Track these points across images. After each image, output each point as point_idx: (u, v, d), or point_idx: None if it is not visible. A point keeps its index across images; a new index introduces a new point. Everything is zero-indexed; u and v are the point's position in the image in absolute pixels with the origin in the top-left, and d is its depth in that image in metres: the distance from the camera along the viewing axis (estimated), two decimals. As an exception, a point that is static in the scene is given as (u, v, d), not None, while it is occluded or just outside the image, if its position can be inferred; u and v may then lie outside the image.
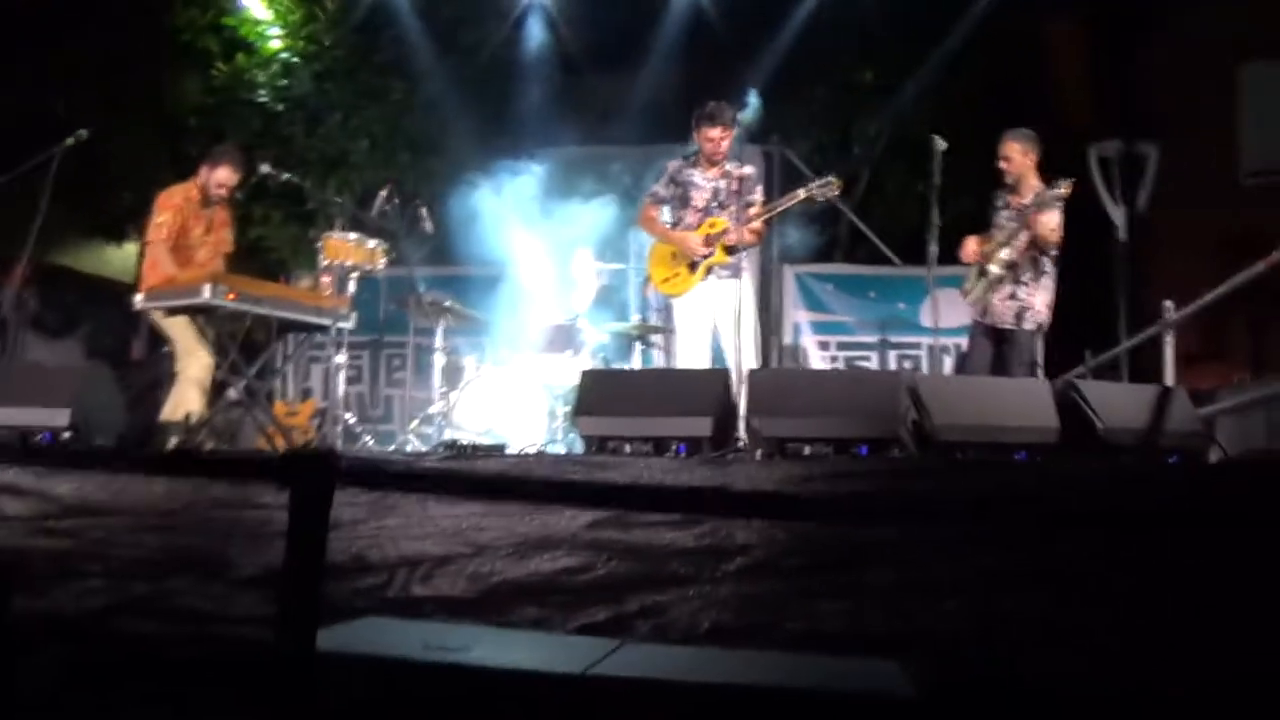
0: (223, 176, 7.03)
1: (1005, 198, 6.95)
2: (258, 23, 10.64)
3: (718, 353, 6.59)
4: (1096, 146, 10.24)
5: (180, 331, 6.65)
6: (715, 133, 6.63)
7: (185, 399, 6.56)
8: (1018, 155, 6.83)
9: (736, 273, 6.60)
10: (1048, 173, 6.85)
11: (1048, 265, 6.81)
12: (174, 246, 6.85)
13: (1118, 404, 5.26)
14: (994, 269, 6.74)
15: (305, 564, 1.91)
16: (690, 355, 6.55)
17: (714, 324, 6.54)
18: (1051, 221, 6.59)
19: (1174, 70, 9.69)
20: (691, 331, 6.60)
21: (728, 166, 6.72)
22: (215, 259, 7.04)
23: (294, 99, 10.76)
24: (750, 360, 6.19)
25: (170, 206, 6.90)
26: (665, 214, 6.91)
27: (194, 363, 6.62)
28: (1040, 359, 7.29)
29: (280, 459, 1.96)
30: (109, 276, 12.49)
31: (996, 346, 6.83)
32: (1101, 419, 5.12)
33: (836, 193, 6.35)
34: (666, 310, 7.05)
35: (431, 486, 2.60)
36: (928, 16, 10.88)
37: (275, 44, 10.79)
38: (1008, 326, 6.75)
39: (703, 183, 6.68)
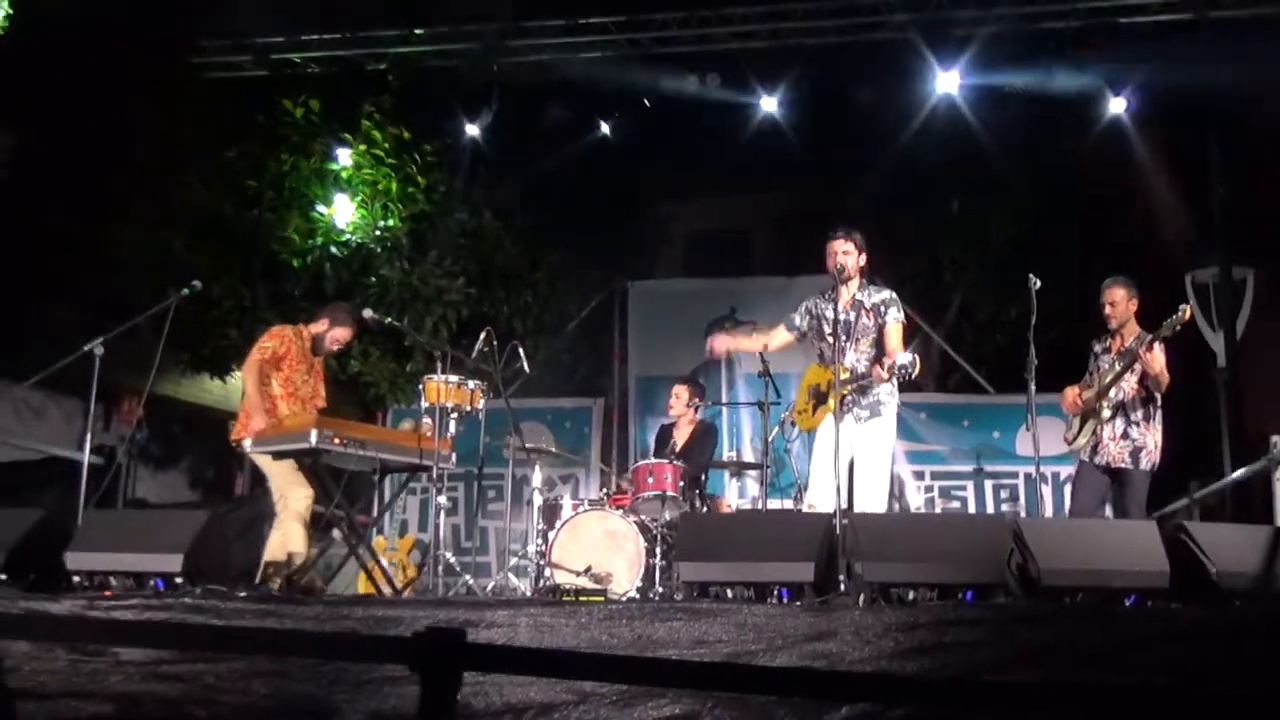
0: (341, 335, 7.27)
1: (1106, 342, 6.96)
2: (359, 167, 11.01)
3: None
4: (1193, 273, 10.16)
5: (280, 468, 6.80)
6: (834, 245, 6.55)
7: (289, 537, 6.67)
8: (1123, 301, 6.84)
9: (875, 411, 6.39)
10: (1143, 300, 6.83)
11: (1157, 403, 6.79)
12: (276, 376, 7.04)
13: (1229, 546, 5.16)
14: (1105, 410, 6.71)
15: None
16: (818, 493, 6.36)
17: (849, 461, 6.15)
18: (1162, 358, 6.59)
19: (1270, 192, 9.63)
20: (821, 467, 6.39)
21: (858, 294, 6.58)
22: (315, 403, 7.21)
23: (391, 239, 11.07)
24: (871, 503, 6.08)
25: (277, 335, 7.13)
26: (783, 336, 6.82)
27: (295, 500, 6.75)
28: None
29: (412, 641, 2.01)
30: (209, 405, 12.84)
31: (1112, 486, 6.78)
32: (1213, 562, 5.02)
33: (915, 372, 6.27)
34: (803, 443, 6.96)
35: (561, 671, 2.61)
36: (1016, 143, 10.94)
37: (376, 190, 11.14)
38: (1124, 466, 6.70)
39: (830, 314, 6.52)
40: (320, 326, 7.23)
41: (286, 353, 7.10)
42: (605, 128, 11.61)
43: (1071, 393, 7.00)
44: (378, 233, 11.00)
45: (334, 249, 10.80)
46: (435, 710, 1.96)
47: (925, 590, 4.98)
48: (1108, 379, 6.74)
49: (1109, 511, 7.00)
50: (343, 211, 10.98)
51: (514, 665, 2.65)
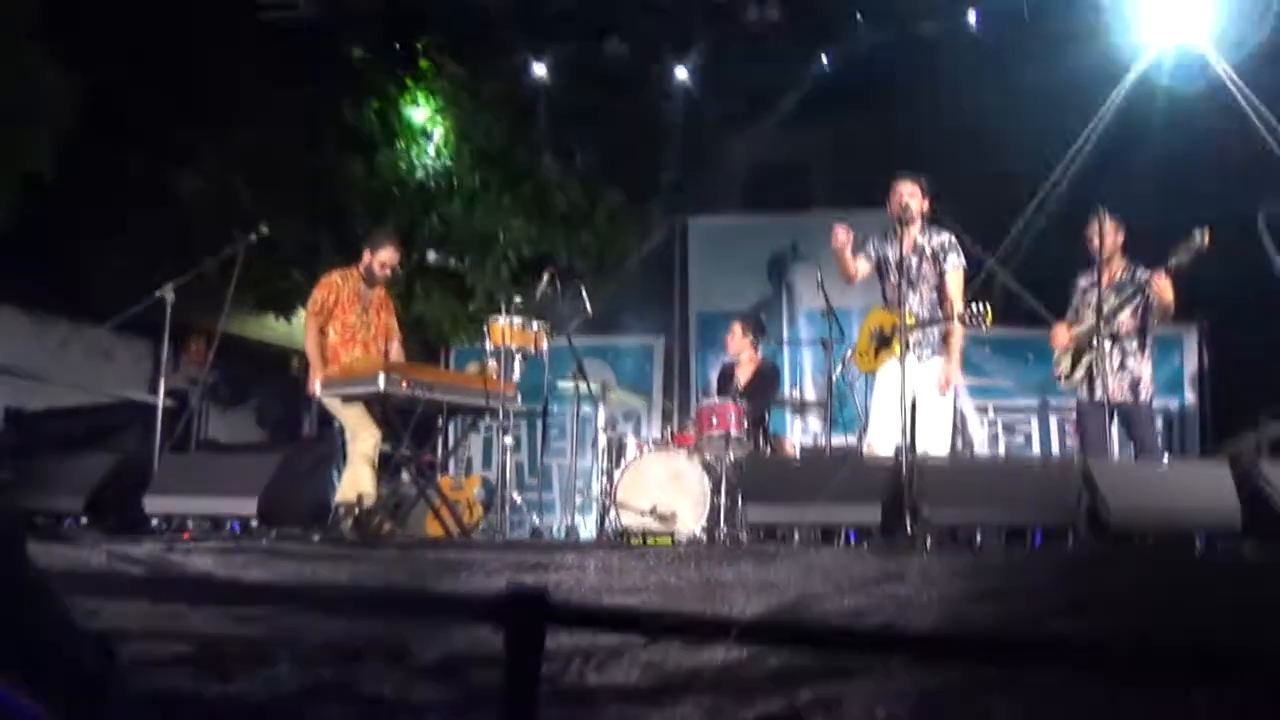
0: (386, 257, 7.34)
1: (1093, 275, 6.90)
2: (419, 106, 11.02)
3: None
4: (1266, 205, 9.93)
5: (349, 410, 6.91)
6: (901, 188, 6.58)
7: (358, 479, 6.78)
8: (1111, 233, 6.82)
9: (937, 350, 6.44)
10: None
11: (1149, 336, 6.82)
12: (332, 324, 7.14)
13: (1302, 486, 5.10)
14: (1103, 343, 6.65)
15: (520, 704, 2.00)
16: (878, 435, 6.43)
17: (910, 402, 6.10)
18: (1171, 289, 6.56)
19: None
20: (881, 411, 6.46)
21: (919, 239, 6.60)
22: (378, 342, 7.29)
23: (451, 179, 11.09)
24: (933, 443, 6.08)
25: (324, 285, 7.26)
26: (864, 265, 6.78)
27: (363, 441, 6.86)
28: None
29: (496, 601, 2.05)
30: (273, 343, 13.00)
31: (1117, 423, 6.73)
32: (1285, 503, 4.98)
33: (987, 323, 6.23)
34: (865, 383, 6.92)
35: (645, 628, 2.66)
36: (1080, 68, 10.72)
37: (437, 131, 11.14)
38: (1125, 400, 6.69)
39: (893, 257, 6.57)
40: (365, 258, 7.33)
41: (336, 300, 7.20)
42: (664, 62, 11.48)
43: (1062, 329, 7.01)
44: (439, 172, 11.01)
45: (395, 189, 10.84)
46: (520, 669, 2.00)
47: (993, 533, 4.98)
48: (1106, 310, 6.64)
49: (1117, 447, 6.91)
50: (404, 151, 11.02)
51: (599, 622, 2.68)
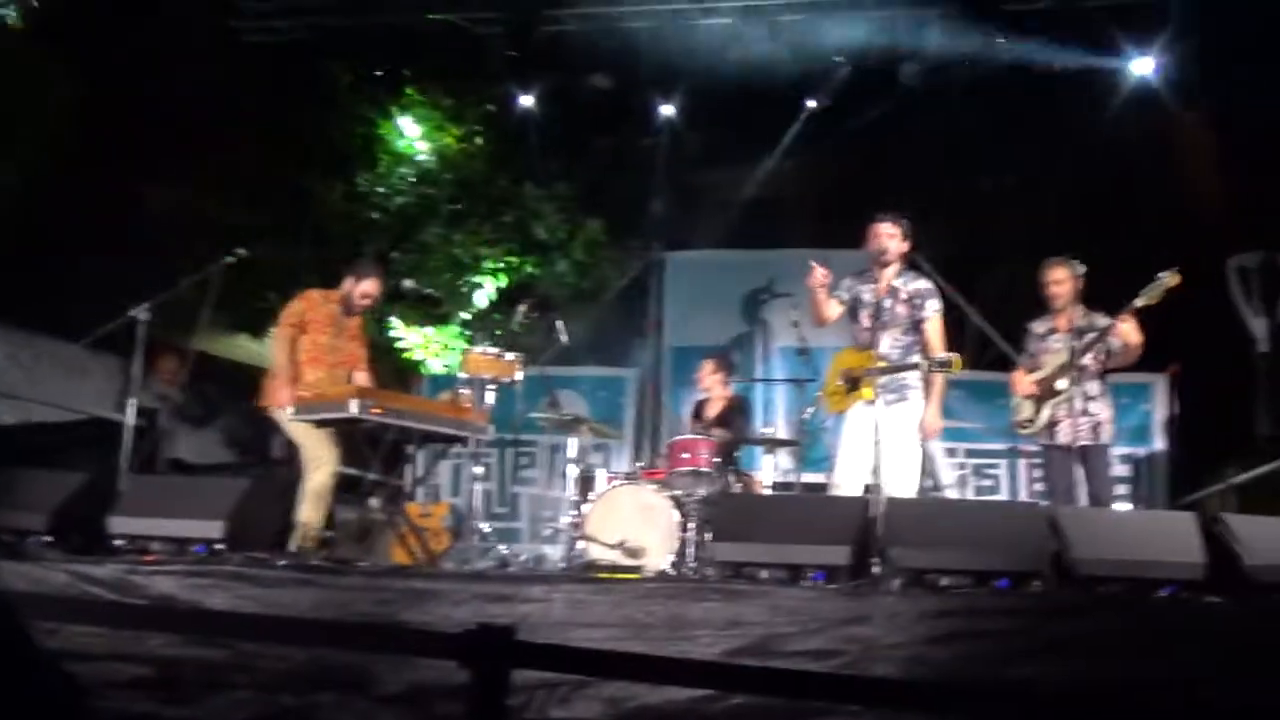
0: (369, 288, 7.29)
1: (1050, 322, 7.02)
2: (403, 135, 11.05)
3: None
4: (1236, 258, 10.06)
5: (308, 438, 6.86)
6: (880, 228, 6.59)
7: (303, 509, 6.73)
8: (1067, 280, 6.87)
9: (902, 395, 6.45)
10: (1188, 282, 6.74)
11: (1107, 379, 6.93)
12: (305, 339, 7.09)
13: (1266, 539, 5.14)
14: (1065, 387, 6.68)
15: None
16: (844, 476, 6.44)
17: (875, 446, 6.12)
18: (1137, 331, 6.61)
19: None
20: (848, 452, 6.47)
21: (896, 282, 6.62)
22: (343, 368, 7.24)
23: (431, 206, 11.11)
24: (898, 487, 6.10)
25: (304, 299, 7.20)
26: (835, 308, 6.78)
27: (317, 472, 6.81)
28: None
29: (463, 638, 2.04)
30: (244, 362, 12.96)
31: (1076, 465, 6.77)
32: (1249, 555, 5.01)
33: (955, 370, 6.30)
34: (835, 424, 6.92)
35: (609, 671, 2.65)
36: (1062, 118, 10.85)
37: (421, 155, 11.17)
38: (1088, 443, 6.72)
39: (869, 299, 6.59)
40: (347, 285, 7.27)
41: (314, 317, 7.14)
42: (647, 97, 11.56)
43: (1020, 374, 7.06)
44: (419, 198, 11.04)
45: (375, 215, 10.85)
46: (485, 705, 2.00)
47: (960, 577, 4.99)
48: (1067, 357, 6.69)
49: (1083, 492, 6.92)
50: (385, 176, 11.04)
51: (563, 664, 2.68)
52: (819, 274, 6.65)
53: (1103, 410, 6.82)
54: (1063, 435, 6.71)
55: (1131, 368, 7.28)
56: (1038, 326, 7.10)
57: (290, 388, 6.86)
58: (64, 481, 6.14)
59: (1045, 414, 6.82)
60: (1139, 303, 6.46)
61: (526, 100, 11.21)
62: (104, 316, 7.43)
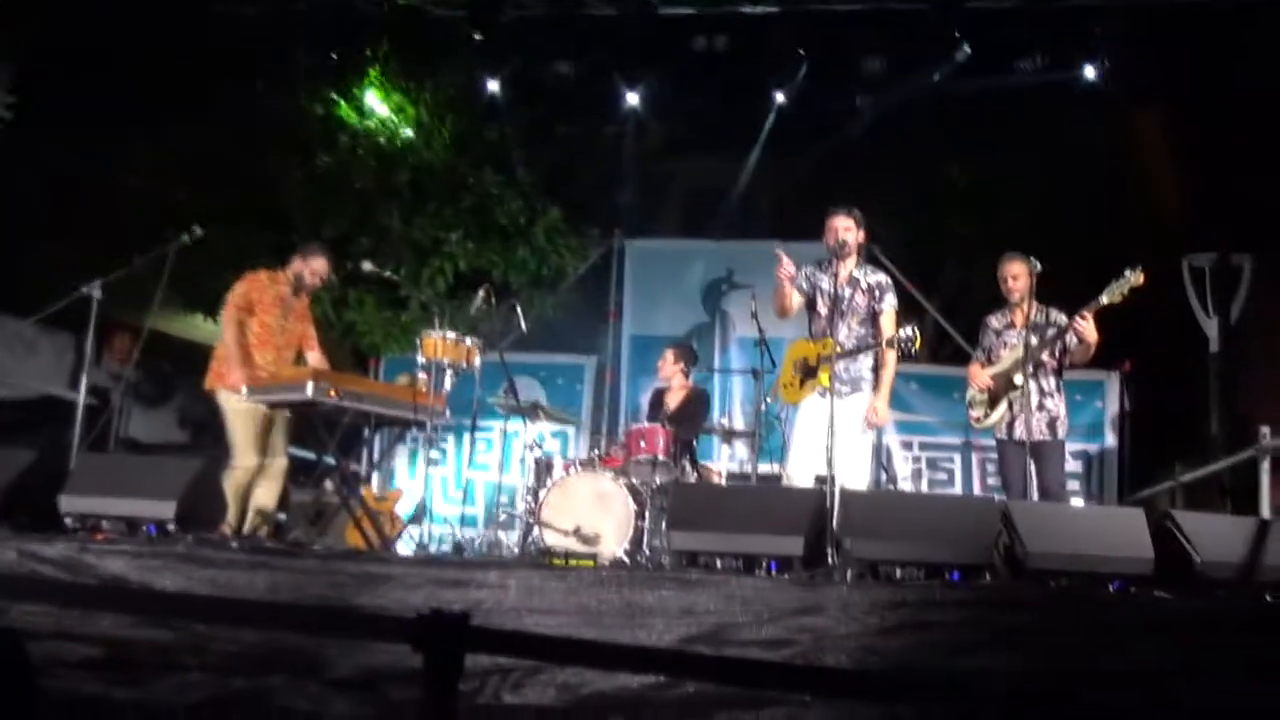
0: (318, 266, 7.27)
1: (1008, 317, 7.05)
2: (364, 115, 10.97)
3: None
4: (1190, 257, 10.18)
5: (240, 427, 6.87)
6: (835, 222, 6.61)
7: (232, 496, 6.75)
8: (1024, 275, 6.85)
9: (856, 386, 6.50)
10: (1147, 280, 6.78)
11: (1062, 375, 6.99)
12: (252, 321, 7.07)
13: (1214, 536, 5.22)
14: (1022, 383, 6.71)
15: (437, 724, 1.99)
16: (797, 467, 6.48)
17: (828, 438, 6.07)
18: (1094, 329, 6.62)
19: (1270, 179, 9.63)
20: (801, 443, 6.51)
21: (856, 273, 6.66)
22: (291, 349, 7.22)
23: (391, 189, 11.04)
24: (851, 478, 6.14)
25: (251, 280, 7.17)
26: (796, 299, 6.79)
27: (238, 466, 6.85)
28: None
29: (418, 623, 2.04)
30: (199, 342, 12.84)
31: (1030, 460, 6.76)
32: (1198, 552, 5.08)
33: (916, 347, 6.36)
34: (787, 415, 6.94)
35: (564, 657, 2.65)
36: (1017, 115, 10.93)
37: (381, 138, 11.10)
38: (1044, 439, 6.78)
39: (828, 289, 6.62)
40: (296, 265, 7.25)
41: (260, 298, 7.10)
42: (610, 84, 11.54)
43: (977, 368, 7.09)
44: (379, 181, 10.96)
45: (334, 197, 10.77)
46: (438, 690, 2.00)
47: (913, 569, 5.03)
48: (1023, 352, 6.70)
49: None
50: (345, 157, 10.96)
51: (517, 649, 2.68)
52: (787, 264, 6.66)
53: (1058, 406, 6.88)
54: (1019, 430, 6.74)
55: (1085, 365, 7.35)
56: (994, 321, 7.14)
57: (242, 369, 6.83)
58: (13, 459, 6.05)
59: (1001, 408, 6.86)
60: (1104, 299, 6.48)
61: (491, 85, 11.15)
62: (56, 293, 7.35)
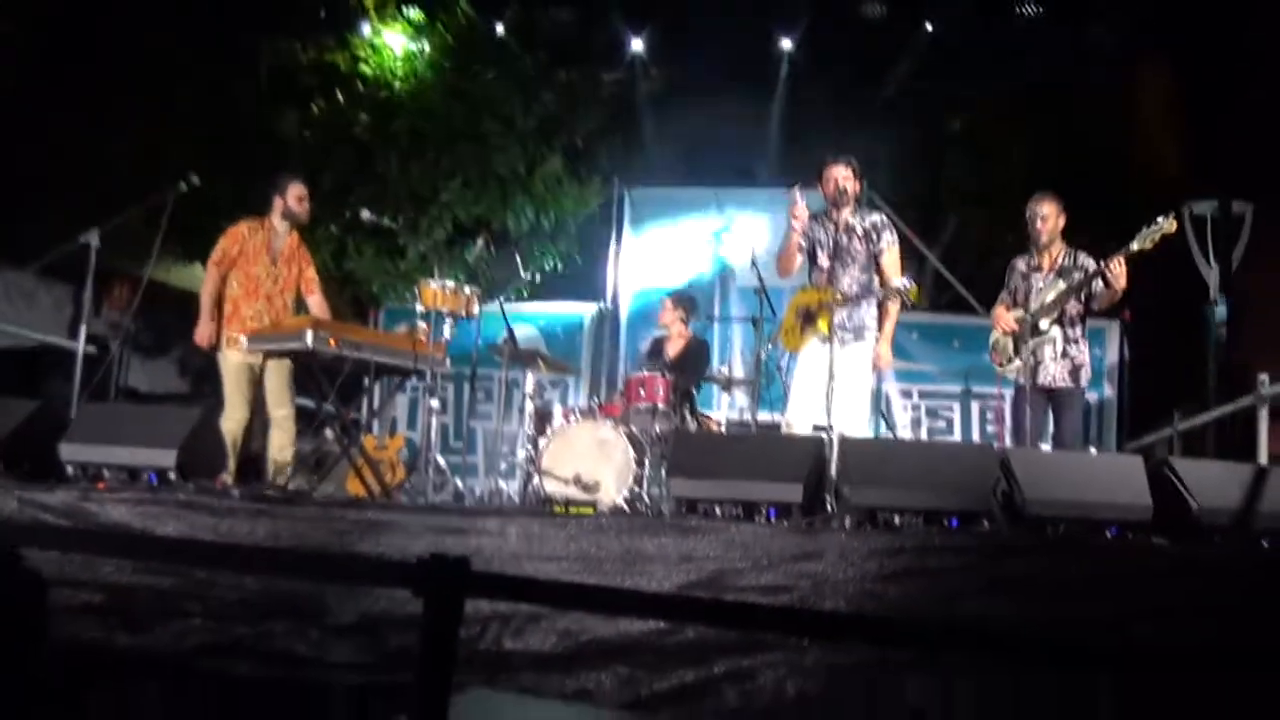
0: (295, 191, 7.23)
1: (1034, 260, 6.85)
2: (356, 60, 10.90)
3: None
4: (1190, 204, 10.14)
5: (230, 380, 6.95)
6: (833, 171, 6.53)
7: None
8: (1053, 216, 6.72)
9: (859, 334, 6.48)
10: (1140, 227, 6.68)
11: (1086, 322, 6.82)
12: (235, 275, 7.09)
13: (1212, 483, 5.21)
14: (1048, 327, 6.61)
15: (437, 670, 2.00)
16: (797, 414, 6.47)
17: (827, 385, 6.11)
18: (1125, 275, 6.45)
19: (1272, 126, 9.58)
20: (801, 390, 6.50)
21: (851, 219, 6.58)
22: (284, 295, 7.22)
23: (389, 136, 10.98)
24: (850, 425, 6.15)
25: (230, 235, 7.17)
26: (799, 260, 6.75)
27: (229, 417, 6.92)
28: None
29: (417, 567, 2.05)
30: (198, 292, 12.81)
31: (1050, 408, 6.75)
32: (1195, 499, 5.09)
33: (912, 296, 6.32)
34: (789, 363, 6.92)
35: (562, 601, 2.67)
36: (1017, 65, 10.87)
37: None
38: (1064, 385, 6.66)
39: (825, 238, 6.58)
40: (277, 203, 7.22)
41: (240, 251, 7.09)
42: (611, 29, 11.47)
43: (1003, 310, 6.91)
44: (377, 128, 10.92)
45: (332, 144, 10.73)
46: (438, 634, 2.01)
47: (911, 516, 5.04)
48: (1052, 295, 6.61)
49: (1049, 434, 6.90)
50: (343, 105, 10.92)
51: (517, 594, 2.69)
52: (801, 206, 6.58)
53: (1082, 353, 6.71)
54: (1042, 376, 6.63)
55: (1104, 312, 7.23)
56: (1020, 263, 6.91)
57: (208, 325, 6.98)
58: (15, 408, 6.06)
59: (1025, 353, 6.64)
60: (1134, 246, 6.29)
61: (490, 29, 11.08)
62: (54, 243, 7.33)
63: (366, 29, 10.94)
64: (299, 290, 7.27)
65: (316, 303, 7.24)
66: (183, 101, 10.41)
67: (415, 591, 2.09)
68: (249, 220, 7.23)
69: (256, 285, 7.07)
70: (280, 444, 6.96)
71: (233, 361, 6.92)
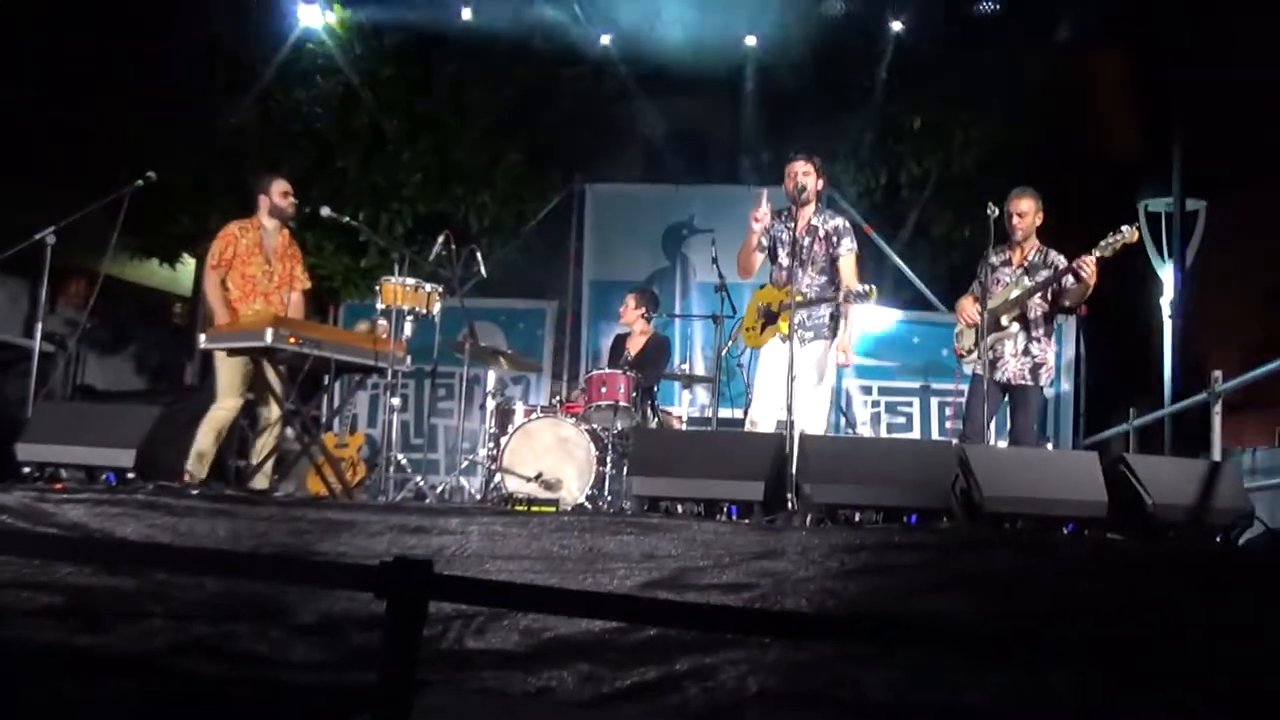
0: (278, 187, 7.24)
1: (1005, 254, 6.80)
2: (317, 56, 10.83)
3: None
4: (1146, 201, 10.26)
5: (222, 370, 6.86)
6: (795, 167, 6.55)
7: (199, 437, 6.74)
8: (1031, 212, 6.69)
9: (819, 333, 6.52)
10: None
11: (1055, 321, 6.80)
12: (231, 277, 7.04)
13: (1167, 479, 5.28)
14: (1009, 323, 6.61)
15: (399, 670, 2.01)
16: (760, 411, 6.52)
17: (792, 380, 6.05)
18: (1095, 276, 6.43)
19: (1227, 125, 9.71)
20: (763, 388, 6.55)
21: (814, 220, 6.63)
22: (281, 292, 7.20)
23: (350, 131, 10.93)
24: (809, 423, 6.18)
25: (222, 237, 7.13)
26: (758, 256, 6.77)
27: (221, 406, 6.84)
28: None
29: (382, 571, 2.05)
30: (156, 288, 12.72)
31: (1006, 403, 6.77)
32: (1150, 494, 5.15)
33: (871, 300, 6.35)
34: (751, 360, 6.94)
35: (526, 605, 2.68)
36: (977, 63, 10.94)
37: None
38: (1023, 383, 6.64)
39: (786, 236, 6.58)
40: (265, 203, 7.21)
41: (234, 253, 7.07)
42: (569, 26, 11.45)
43: (969, 302, 6.86)
44: (338, 122, 10.86)
45: (291, 138, 10.67)
46: (401, 636, 2.01)
47: (871, 513, 5.08)
48: (1016, 292, 6.60)
49: (994, 429, 6.93)
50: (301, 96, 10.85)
51: (480, 597, 2.70)
52: (765, 209, 6.58)
53: (1045, 352, 6.69)
54: (1001, 371, 6.63)
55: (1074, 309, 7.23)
56: (993, 256, 6.76)
57: (225, 318, 6.94)
58: (-32, 408, 6.01)
59: (984, 347, 6.59)
60: (1095, 254, 6.28)
61: (439, 27, 11.02)
62: (9, 238, 7.24)
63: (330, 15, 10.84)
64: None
65: (295, 300, 7.24)
66: (142, 92, 10.31)
67: (379, 595, 2.10)
68: (238, 221, 7.21)
69: (254, 285, 7.07)
70: (265, 446, 6.93)
71: (231, 359, 6.84)
